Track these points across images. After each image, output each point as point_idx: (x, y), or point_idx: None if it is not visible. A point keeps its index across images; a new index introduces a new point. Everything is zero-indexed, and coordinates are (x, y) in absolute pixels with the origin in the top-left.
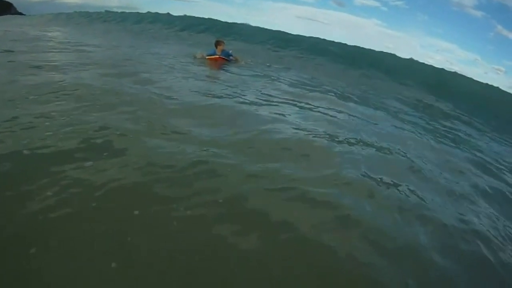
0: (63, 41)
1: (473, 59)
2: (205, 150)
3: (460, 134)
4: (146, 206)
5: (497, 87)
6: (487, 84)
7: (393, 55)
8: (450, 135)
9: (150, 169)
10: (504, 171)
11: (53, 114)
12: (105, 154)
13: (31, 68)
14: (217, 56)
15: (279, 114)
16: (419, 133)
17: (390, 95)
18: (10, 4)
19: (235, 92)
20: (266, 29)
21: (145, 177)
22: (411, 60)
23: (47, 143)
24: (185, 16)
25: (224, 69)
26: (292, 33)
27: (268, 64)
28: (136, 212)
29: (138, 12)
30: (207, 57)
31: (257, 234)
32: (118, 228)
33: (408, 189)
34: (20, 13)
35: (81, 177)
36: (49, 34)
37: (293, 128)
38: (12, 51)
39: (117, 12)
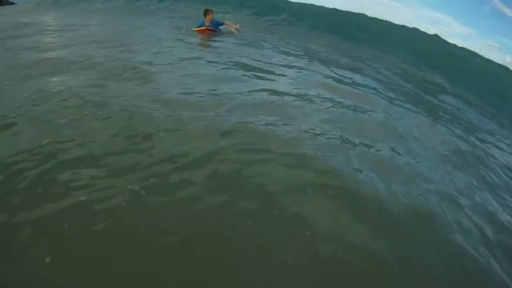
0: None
1: (467, 34)
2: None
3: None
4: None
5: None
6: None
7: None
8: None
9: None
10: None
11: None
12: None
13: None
14: (204, 28)
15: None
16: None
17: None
18: None
19: (221, 63)
20: None
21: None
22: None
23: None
24: None
25: (213, 40)
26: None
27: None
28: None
29: None
30: (194, 29)
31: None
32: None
33: (391, 149)
34: (12, 3)
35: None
36: (37, 20)
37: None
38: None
39: None
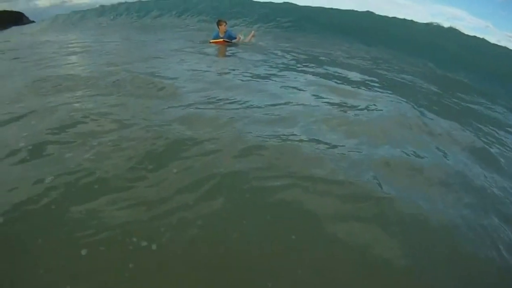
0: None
1: (484, 26)
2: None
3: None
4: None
5: None
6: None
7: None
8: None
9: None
10: None
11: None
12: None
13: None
14: (222, 40)
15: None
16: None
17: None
18: (21, 14)
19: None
20: (272, 2)
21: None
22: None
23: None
24: None
25: (230, 52)
26: (299, 4)
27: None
28: None
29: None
30: (210, 41)
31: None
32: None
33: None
34: (32, 21)
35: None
36: (55, 38)
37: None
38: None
39: (109, 5)
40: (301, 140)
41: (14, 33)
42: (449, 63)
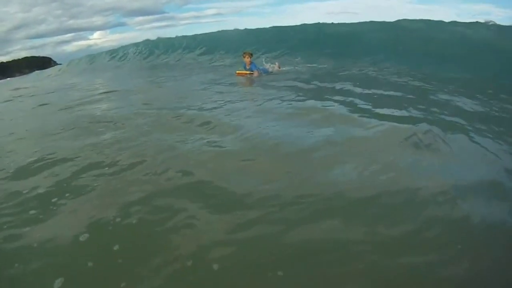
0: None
1: None
2: None
3: None
4: None
5: None
6: None
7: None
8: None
9: None
10: None
11: None
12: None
13: None
14: (246, 72)
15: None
16: None
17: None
18: (50, 59)
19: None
20: (292, 26)
21: None
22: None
23: None
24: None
25: (256, 83)
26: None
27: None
28: None
29: (168, 38)
30: (236, 72)
31: None
32: None
33: None
34: (59, 64)
35: None
36: (79, 81)
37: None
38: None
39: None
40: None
41: (39, 76)
42: None
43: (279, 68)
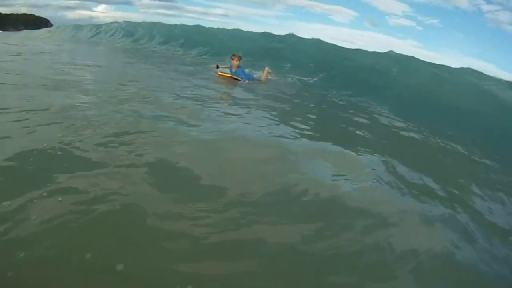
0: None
1: None
2: None
3: None
4: None
5: None
6: None
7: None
8: None
9: None
10: None
11: None
12: None
13: None
14: (229, 75)
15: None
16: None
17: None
18: (48, 21)
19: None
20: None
21: None
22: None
23: None
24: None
25: (238, 90)
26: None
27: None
28: None
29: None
30: (219, 72)
31: None
32: None
33: None
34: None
35: None
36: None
37: None
38: None
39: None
40: None
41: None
42: None
43: (269, 72)
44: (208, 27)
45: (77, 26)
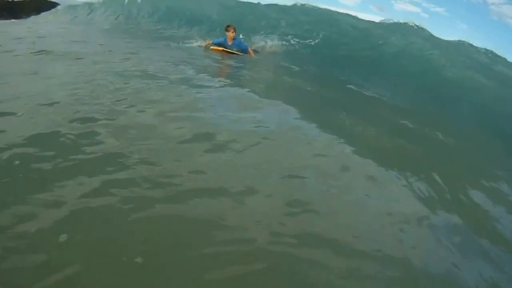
0: None
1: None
2: None
3: None
4: None
5: None
6: None
7: None
8: None
9: None
10: None
11: None
12: None
13: None
14: (222, 49)
15: None
16: None
17: None
18: (57, 4)
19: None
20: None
21: None
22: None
23: None
24: None
25: (234, 65)
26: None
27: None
28: None
29: None
30: (212, 47)
31: None
32: None
33: None
34: (56, 4)
35: None
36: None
37: None
38: None
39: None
40: None
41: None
42: None
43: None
44: None
45: (79, 6)
